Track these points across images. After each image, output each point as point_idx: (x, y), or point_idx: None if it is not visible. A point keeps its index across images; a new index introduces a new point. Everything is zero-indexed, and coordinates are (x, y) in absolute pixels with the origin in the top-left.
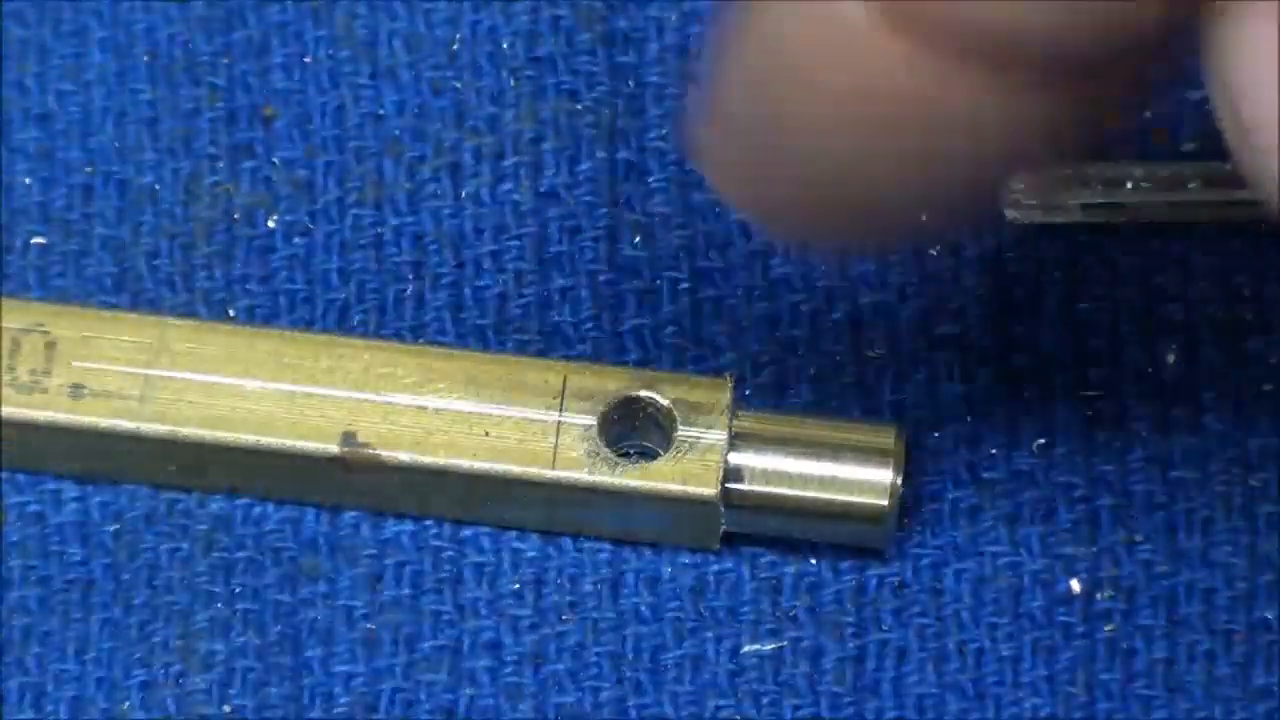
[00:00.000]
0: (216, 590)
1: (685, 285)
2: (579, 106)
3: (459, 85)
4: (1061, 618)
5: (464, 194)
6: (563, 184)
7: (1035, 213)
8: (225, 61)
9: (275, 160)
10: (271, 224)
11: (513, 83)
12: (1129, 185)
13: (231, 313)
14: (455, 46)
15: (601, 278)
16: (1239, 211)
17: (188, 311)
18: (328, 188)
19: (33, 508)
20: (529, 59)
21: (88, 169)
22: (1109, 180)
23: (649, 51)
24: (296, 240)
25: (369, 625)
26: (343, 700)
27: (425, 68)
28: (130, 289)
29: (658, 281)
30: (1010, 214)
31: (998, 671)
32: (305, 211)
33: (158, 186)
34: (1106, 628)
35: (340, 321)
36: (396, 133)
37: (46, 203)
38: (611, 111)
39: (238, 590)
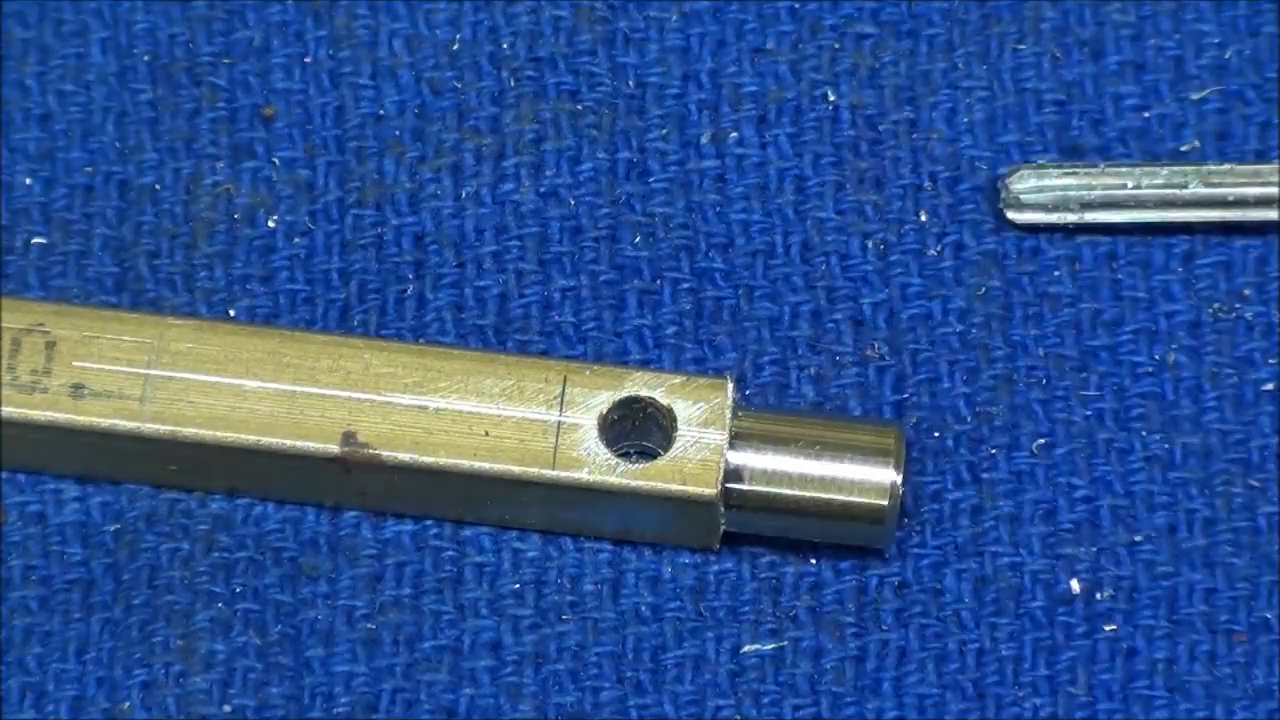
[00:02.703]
0: (217, 590)
1: (686, 285)
2: (579, 106)
3: (459, 85)
4: (1062, 618)
5: (465, 194)
6: (564, 184)
7: (1035, 213)
8: (225, 61)
9: (275, 160)
10: (272, 224)
11: (513, 83)
12: (1129, 185)
13: (232, 313)
14: (455, 46)
15: (602, 278)
16: (1239, 211)
17: (188, 311)
18: (328, 188)
19: (33, 508)
20: (529, 59)
21: (88, 169)
22: (1109, 180)
23: (649, 51)
24: (297, 240)
25: (369, 625)
26: (343, 700)
27: (425, 68)
28: (130, 289)
29: (658, 281)
30: (1010, 214)
31: (998, 671)
32: (305, 211)
33: (158, 186)
34: (1107, 628)
35: (340, 321)
36: (397, 133)
37: (47, 203)
38: (612, 111)
39: (238, 590)
